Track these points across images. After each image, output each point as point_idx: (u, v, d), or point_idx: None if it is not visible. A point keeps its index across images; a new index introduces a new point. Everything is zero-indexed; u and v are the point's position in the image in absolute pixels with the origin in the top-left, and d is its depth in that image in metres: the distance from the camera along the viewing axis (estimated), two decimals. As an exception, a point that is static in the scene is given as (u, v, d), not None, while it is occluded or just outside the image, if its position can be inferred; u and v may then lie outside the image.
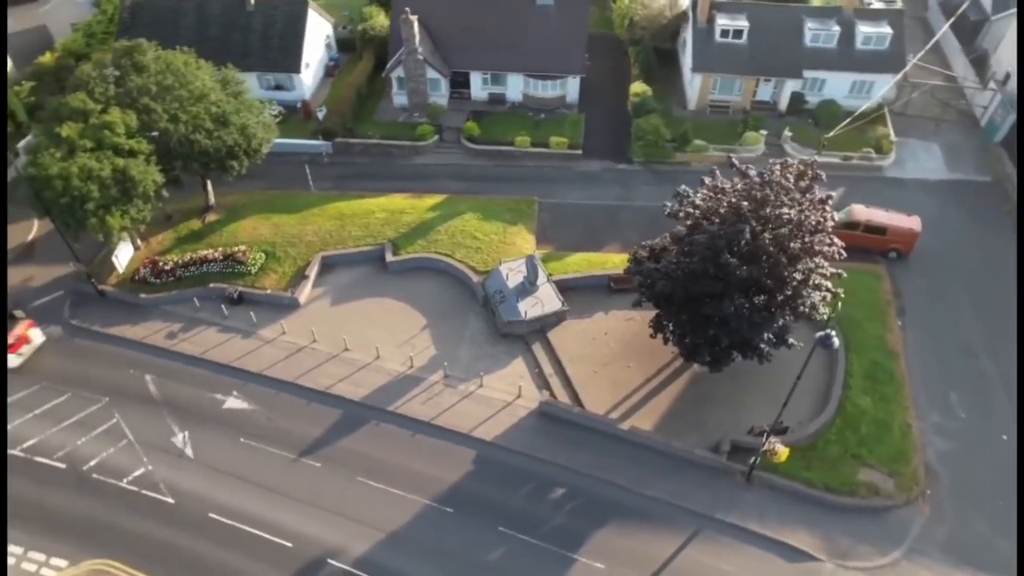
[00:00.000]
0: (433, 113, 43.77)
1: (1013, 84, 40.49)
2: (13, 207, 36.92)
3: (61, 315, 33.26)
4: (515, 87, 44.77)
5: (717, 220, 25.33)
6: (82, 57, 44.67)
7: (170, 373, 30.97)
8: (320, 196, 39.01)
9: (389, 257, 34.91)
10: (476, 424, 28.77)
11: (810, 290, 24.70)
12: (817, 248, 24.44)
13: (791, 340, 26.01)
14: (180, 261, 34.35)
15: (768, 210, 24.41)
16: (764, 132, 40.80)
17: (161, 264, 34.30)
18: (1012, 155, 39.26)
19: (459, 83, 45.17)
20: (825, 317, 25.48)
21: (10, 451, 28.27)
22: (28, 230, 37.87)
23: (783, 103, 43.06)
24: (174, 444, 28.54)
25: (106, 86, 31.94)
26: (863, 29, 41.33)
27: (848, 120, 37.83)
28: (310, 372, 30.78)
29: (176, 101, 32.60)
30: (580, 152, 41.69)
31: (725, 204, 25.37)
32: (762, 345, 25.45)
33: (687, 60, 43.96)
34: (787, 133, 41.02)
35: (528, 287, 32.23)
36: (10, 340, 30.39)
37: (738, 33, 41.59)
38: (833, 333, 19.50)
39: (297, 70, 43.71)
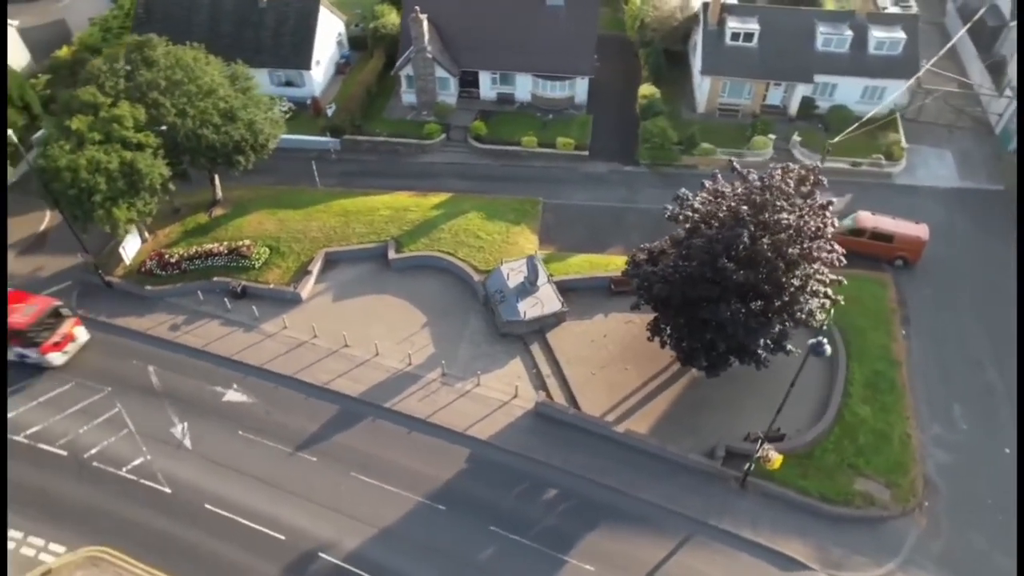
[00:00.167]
0: (441, 112, 43.92)
1: (1029, 91, 39.86)
2: (27, 198, 37.66)
3: (68, 305, 33.70)
4: (524, 87, 44.80)
5: (716, 224, 25.17)
6: (97, 51, 45.28)
7: (172, 365, 31.34)
8: (326, 192, 39.30)
9: (392, 254, 35.08)
10: (472, 423, 28.82)
11: (808, 296, 24.47)
12: (816, 254, 24.19)
13: (789, 346, 25.80)
14: (185, 254, 34.77)
15: (767, 215, 24.22)
16: (773, 136, 40.48)
17: (167, 257, 34.74)
18: (1026, 164, 38.69)
19: (468, 82, 45.28)
20: (823, 324, 25.24)
21: (14, 437, 28.76)
22: (40, 220, 38.50)
23: (793, 107, 42.70)
24: (173, 435, 28.88)
25: (116, 80, 32.39)
26: (876, 34, 40.85)
27: (855, 126, 37.38)
28: (310, 367, 31.01)
29: (184, 96, 32.99)
30: (587, 153, 41.64)
31: (724, 208, 25.22)
32: (759, 351, 25.26)
33: (697, 63, 43.72)
34: (796, 138, 40.68)
35: (528, 287, 32.24)
36: (56, 338, 30.32)
37: (748, 36, 41.29)
38: (825, 341, 19.27)
39: (307, 67, 44.06)
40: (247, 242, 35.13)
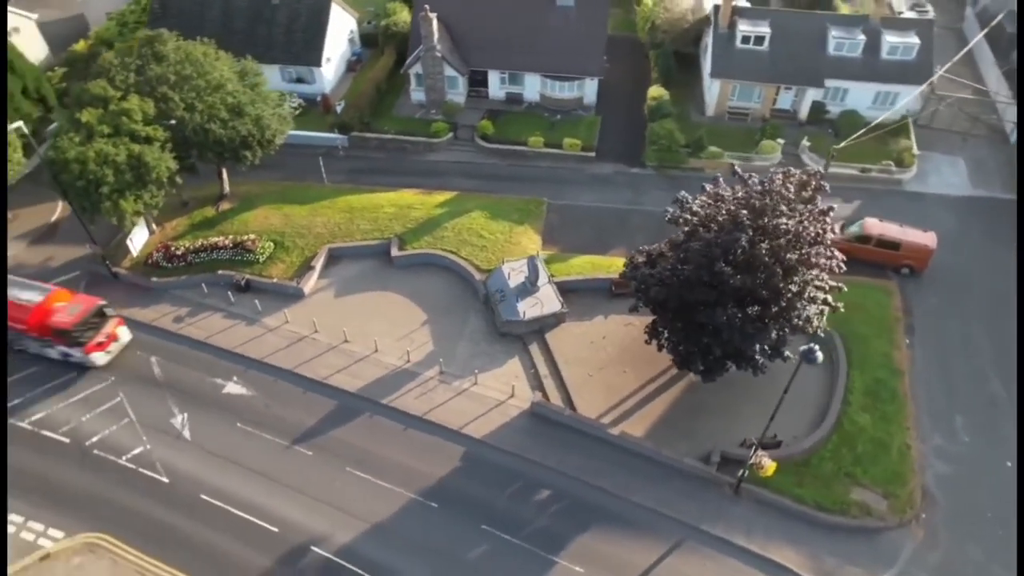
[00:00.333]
0: (449, 111, 44.03)
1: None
2: (39, 189, 38.27)
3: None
4: (532, 87, 44.79)
5: (715, 228, 25.01)
6: (112, 46, 45.92)
7: (175, 356, 31.71)
8: (332, 189, 39.57)
9: (395, 252, 35.24)
10: (467, 421, 28.88)
11: (805, 302, 24.23)
12: (814, 260, 23.93)
13: (787, 352, 25.56)
14: (191, 247, 35.17)
15: (766, 220, 24.02)
16: (781, 141, 40.13)
17: (173, 249, 35.16)
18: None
19: (477, 82, 45.37)
20: (816, 330, 25.01)
21: (19, 423, 29.25)
22: (52, 211, 39.11)
23: (803, 112, 42.31)
24: (173, 425, 29.22)
25: (127, 74, 32.83)
26: (889, 39, 40.34)
27: (862, 131, 36.98)
28: (309, 362, 31.23)
29: (193, 91, 33.37)
30: (593, 154, 41.54)
31: (724, 212, 25.05)
32: (757, 356, 25.04)
33: (707, 65, 43.45)
34: (805, 143, 40.30)
35: (529, 287, 32.24)
36: (100, 338, 30.35)
37: (759, 40, 40.96)
38: (816, 348, 19.08)
39: (318, 64, 44.37)
40: (252, 236, 35.46)
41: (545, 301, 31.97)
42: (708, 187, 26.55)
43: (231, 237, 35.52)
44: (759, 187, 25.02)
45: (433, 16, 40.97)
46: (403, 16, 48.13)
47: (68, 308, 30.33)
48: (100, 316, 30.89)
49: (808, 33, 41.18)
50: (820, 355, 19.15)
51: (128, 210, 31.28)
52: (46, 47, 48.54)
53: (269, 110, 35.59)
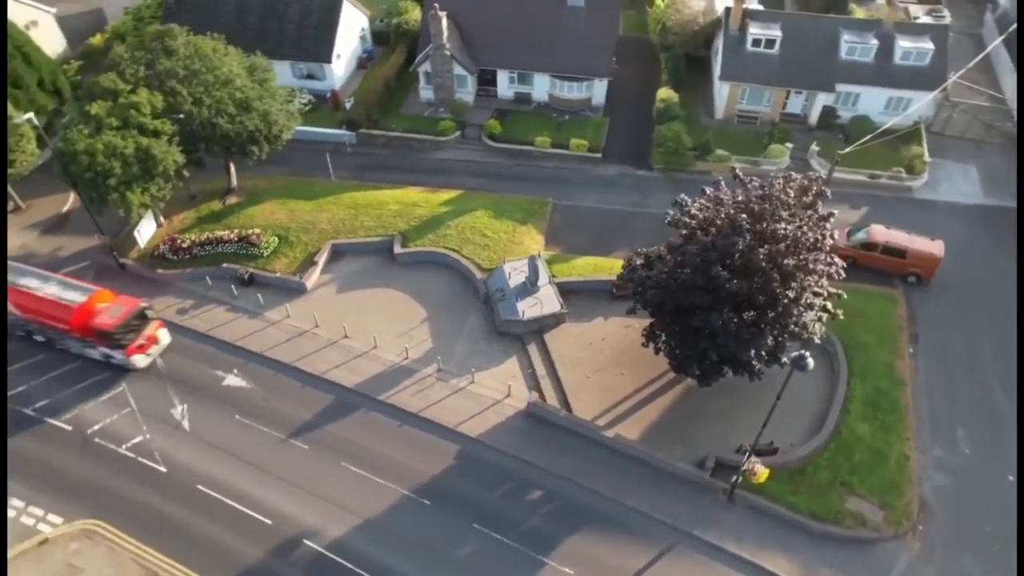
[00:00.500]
0: (458, 109, 44.10)
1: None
2: (52, 179, 38.81)
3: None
4: (541, 87, 44.73)
5: (714, 231, 24.84)
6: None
7: (177, 347, 32.00)
8: (339, 185, 39.80)
9: (397, 249, 35.39)
10: (463, 420, 28.94)
11: (802, 309, 23.99)
12: (812, 266, 23.69)
13: (784, 359, 25.31)
14: (197, 240, 35.56)
15: (765, 224, 23.82)
16: (790, 145, 39.77)
17: (179, 242, 35.57)
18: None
19: (487, 80, 45.41)
20: (816, 338, 24.76)
21: (23, 410, 29.71)
22: (64, 202, 39.67)
23: (814, 117, 41.89)
24: (173, 416, 29.57)
25: (136, 68, 33.23)
26: (903, 44, 39.83)
27: (868, 137, 36.57)
28: (309, 356, 31.46)
29: (202, 85, 33.70)
30: (600, 156, 41.42)
31: (723, 215, 24.87)
32: (753, 362, 24.84)
33: (717, 68, 43.13)
34: (814, 148, 39.89)
35: (529, 287, 32.23)
36: (140, 340, 30.17)
37: (770, 43, 40.61)
38: (808, 355, 18.89)
39: (328, 60, 44.64)
40: (257, 230, 35.79)
41: (545, 301, 31.95)
42: (708, 190, 26.38)
43: (236, 231, 35.86)
44: (759, 191, 24.80)
45: (443, 14, 41.04)
46: (414, 14, 48.29)
47: (111, 310, 30.03)
48: (142, 318, 30.64)
49: (820, 37, 40.76)
50: (811, 362, 18.97)
51: (135, 202, 31.69)
52: (64, 40, 49.30)
53: (277, 106, 35.88)
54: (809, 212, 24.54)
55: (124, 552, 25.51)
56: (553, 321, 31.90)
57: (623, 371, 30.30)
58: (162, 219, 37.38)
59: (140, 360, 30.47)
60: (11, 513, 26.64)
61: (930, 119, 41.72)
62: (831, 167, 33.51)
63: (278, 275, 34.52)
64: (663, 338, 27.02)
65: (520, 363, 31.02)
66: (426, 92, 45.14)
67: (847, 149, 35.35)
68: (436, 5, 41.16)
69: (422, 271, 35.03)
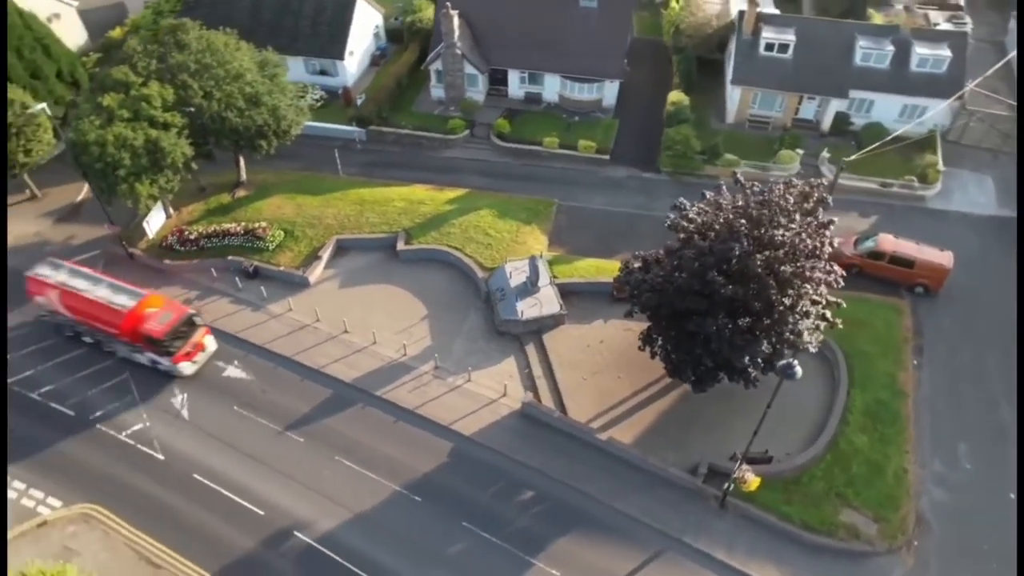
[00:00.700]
0: (468, 108, 44.19)
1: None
2: (67, 169, 39.50)
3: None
4: (552, 88, 44.68)
5: (712, 235, 24.63)
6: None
7: (180, 338, 32.50)
8: (346, 181, 40.09)
9: (400, 246, 35.54)
10: (458, 418, 28.99)
11: (798, 317, 23.68)
12: (809, 274, 23.38)
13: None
14: (204, 232, 36.01)
15: (763, 230, 23.57)
16: (800, 151, 39.30)
17: (187, 233, 36.06)
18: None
19: (498, 80, 45.46)
20: (811, 347, 24.44)
21: (29, 394, 30.32)
22: (78, 191, 40.40)
23: (826, 123, 41.36)
24: (173, 405, 29.98)
25: (149, 61, 33.74)
26: (920, 51, 39.16)
27: (877, 144, 35.97)
28: (308, 350, 31.71)
29: (212, 79, 34.13)
30: (608, 157, 41.26)
31: (721, 220, 24.65)
32: (749, 369, 24.59)
33: (729, 72, 42.75)
34: (825, 154, 39.36)
35: (530, 287, 32.21)
36: (187, 348, 29.97)
37: (783, 47, 40.16)
38: (796, 363, 18.65)
39: (341, 57, 44.98)
40: (263, 224, 36.15)
41: (545, 302, 31.90)
42: (709, 194, 26.16)
43: (243, 224, 36.27)
44: (759, 197, 24.54)
45: (454, 13, 41.16)
46: (428, 13, 48.51)
47: (160, 316, 29.57)
48: (189, 325, 30.26)
49: (834, 42, 40.22)
50: (799, 370, 18.72)
51: (143, 193, 32.18)
52: (85, 33, 50.21)
53: (286, 101, 36.22)
54: (809, 219, 24.21)
55: (118, 537, 25.93)
56: (552, 322, 31.85)
57: (620, 374, 30.16)
58: (171, 210, 37.91)
59: (186, 367, 30.19)
60: (12, 495, 27.19)
61: (946, 127, 40.97)
62: (836, 173, 33.02)
63: (282, 269, 34.85)
64: (659, 342, 26.85)
65: (518, 363, 31.01)
66: (437, 90, 45.31)
67: (853, 156, 34.83)
68: (448, 3, 41.30)
69: (424, 268, 35.16)
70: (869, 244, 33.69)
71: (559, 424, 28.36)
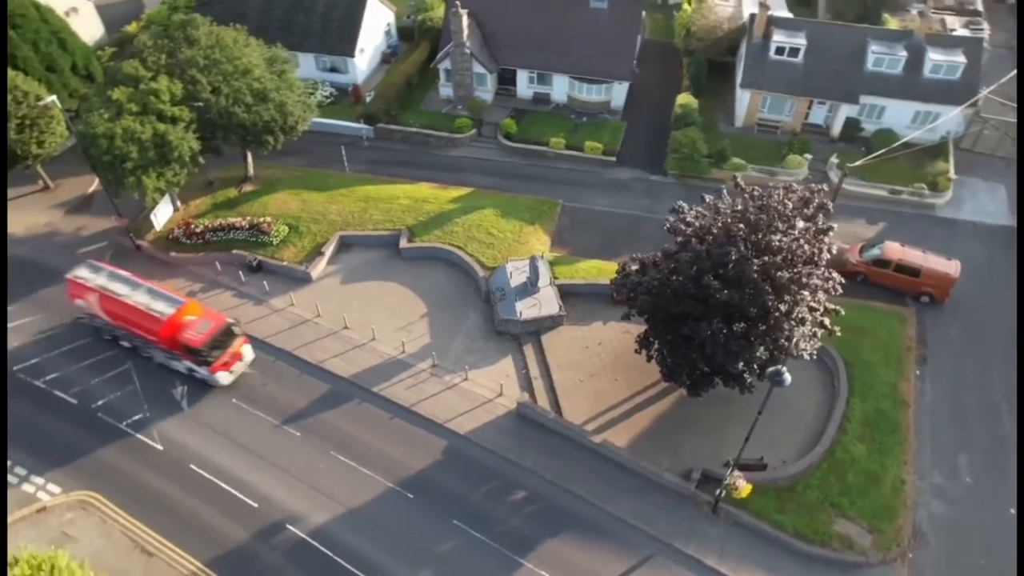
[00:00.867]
0: (476, 107, 44.23)
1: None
2: (79, 160, 40.12)
3: (101, 264, 35.83)
4: (560, 88, 44.61)
5: (710, 239, 24.46)
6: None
7: (183, 330, 32.84)
8: (352, 178, 40.30)
9: (403, 243, 35.66)
10: (453, 416, 29.04)
11: (794, 323, 23.44)
12: (806, 280, 23.13)
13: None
14: (210, 225, 36.38)
15: (760, 235, 23.37)
16: (809, 156, 38.90)
17: (193, 226, 36.45)
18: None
19: (507, 80, 45.47)
20: (806, 354, 24.18)
21: (33, 382, 30.80)
22: (89, 183, 40.94)
23: (836, 128, 40.90)
24: (173, 396, 30.30)
25: (158, 55, 34.13)
26: (933, 56, 38.61)
27: (883, 151, 35.54)
28: (308, 345, 31.92)
29: (221, 74, 34.45)
30: (614, 159, 41.11)
31: (719, 224, 24.47)
32: (744, 374, 24.39)
33: (739, 75, 42.42)
34: (834, 160, 38.91)
35: (530, 288, 32.18)
36: (225, 357, 29.46)
37: (794, 51, 39.77)
38: (785, 370, 18.46)
39: (351, 54, 45.21)
40: (268, 219, 36.45)
41: (544, 303, 31.86)
42: (708, 198, 25.99)
43: (248, 218, 36.58)
44: (759, 201, 24.33)
45: (464, 12, 41.21)
46: (439, 11, 48.62)
47: (199, 325, 29.06)
48: (228, 334, 29.67)
49: (846, 47, 39.76)
50: (788, 377, 18.53)
51: (150, 186, 32.56)
52: (102, 27, 50.86)
53: (294, 97, 36.47)
54: (807, 225, 23.95)
55: (114, 524, 26.28)
56: (551, 323, 31.79)
57: (617, 377, 30.04)
58: (179, 203, 38.32)
59: (224, 377, 29.71)
60: (13, 480, 27.65)
61: (959, 135, 40.36)
62: (839, 179, 32.67)
63: (285, 263, 35.11)
64: (656, 345, 26.71)
65: (515, 363, 31.00)
66: (446, 89, 45.41)
67: (858, 162, 34.44)
68: (457, 3, 41.36)
69: (426, 266, 35.25)
70: (875, 251, 33.28)
71: (553, 425, 28.31)
